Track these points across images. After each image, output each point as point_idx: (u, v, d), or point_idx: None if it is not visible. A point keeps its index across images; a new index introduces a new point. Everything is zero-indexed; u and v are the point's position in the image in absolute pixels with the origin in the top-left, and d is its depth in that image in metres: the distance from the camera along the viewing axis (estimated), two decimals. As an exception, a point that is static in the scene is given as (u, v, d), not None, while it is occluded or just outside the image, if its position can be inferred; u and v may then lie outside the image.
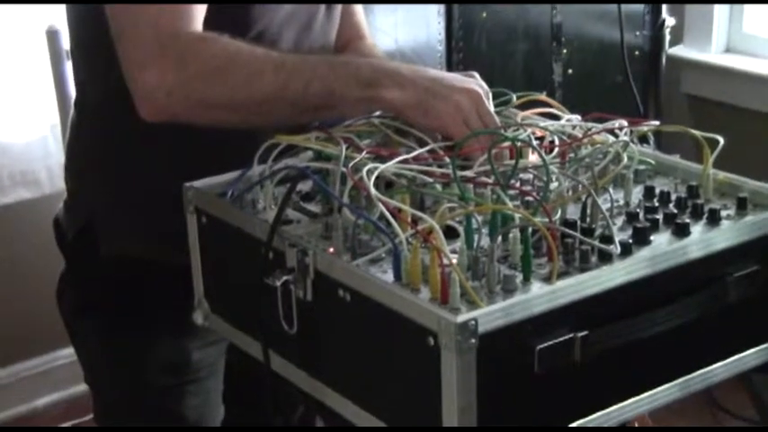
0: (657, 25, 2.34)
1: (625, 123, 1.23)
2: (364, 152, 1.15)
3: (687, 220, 1.08)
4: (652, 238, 1.06)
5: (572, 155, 1.20)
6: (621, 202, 1.16)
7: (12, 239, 2.59)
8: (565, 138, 1.23)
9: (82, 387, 1.50)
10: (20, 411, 2.70)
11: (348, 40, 1.51)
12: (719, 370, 1.10)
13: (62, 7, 1.42)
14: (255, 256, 1.10)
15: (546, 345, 0.94)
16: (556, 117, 1.29)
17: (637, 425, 2.20)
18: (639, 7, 2.34)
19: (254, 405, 1.54)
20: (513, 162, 1.15)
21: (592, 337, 0.96)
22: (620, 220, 1.12)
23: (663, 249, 1.04)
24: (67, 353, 2.58)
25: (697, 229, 1.08)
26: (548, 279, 0.99)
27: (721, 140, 1.18)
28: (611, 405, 1.02)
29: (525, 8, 2.22)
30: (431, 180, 1.12)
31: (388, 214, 1.03)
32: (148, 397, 1.43)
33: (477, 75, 1.28)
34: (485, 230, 1.07)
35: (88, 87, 1.41)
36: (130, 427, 1.47)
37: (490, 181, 1.12)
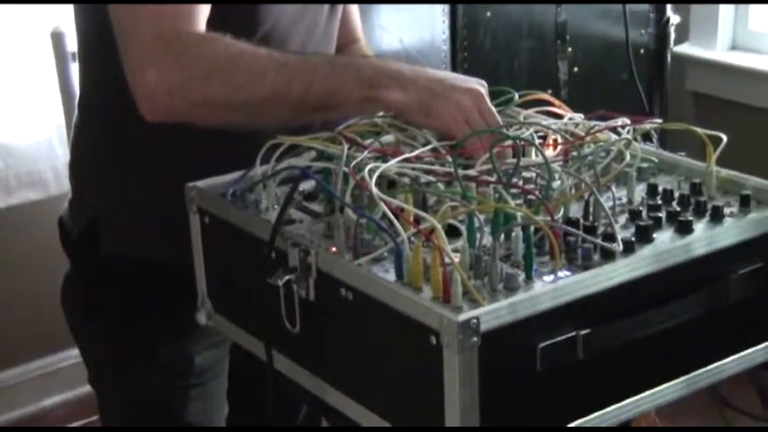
0: (662, 23, 2.33)
1: (628, 121, 1.23)
2: (366, 151, 1.15)
3: (690, 218, 1.08)
4: (655, 235, 1.06)
5: (574, 153, 1.20)
6: (624, 200, 1.16)
7: (18, 240, 2.60)
8: (567, 136, 1.23)
9: (89, 387, 1.50)
10: (27, 412, 2.70)
11: (344, 43, 1.51)
12: (726, 366, 1.10)
13: (67, 9, 1.42)
14: (258, 256, 1.10)
15: (548, 343, 0.93)
16: (559, 116, 1.29)
17: (644, 423, 2.20)
18: (644, 5, 2.33)
19: (257, 403, 1.54)
20: (515, 161, 1.15)
21: (594, 336, 0.96)
22: (622, 218, 1.11)
23: (665, 247, 1.03)
24: (74, 353, 2.55)
25: (700, 227, 1.08)
26: (550, 277, 0.99)
27: (724, 138, 1.17)
28: (614, 403, 1.01)
29: (530, 7, 2.22)
30: (433, 179, 1.12)
31: (390, 214, 1.03)
32: (152, 399, 1.43)
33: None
34: (487, 229, 1.07)
35: (92, 88, 1.41)
36: (133, 428, 1.47)
37: (492, 180, 1.12)
